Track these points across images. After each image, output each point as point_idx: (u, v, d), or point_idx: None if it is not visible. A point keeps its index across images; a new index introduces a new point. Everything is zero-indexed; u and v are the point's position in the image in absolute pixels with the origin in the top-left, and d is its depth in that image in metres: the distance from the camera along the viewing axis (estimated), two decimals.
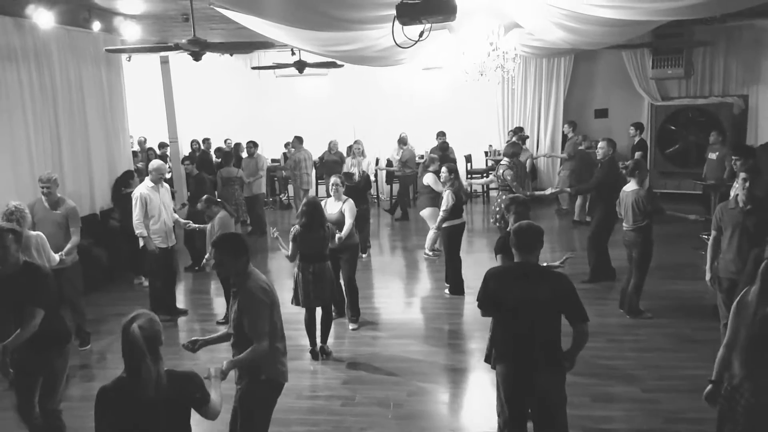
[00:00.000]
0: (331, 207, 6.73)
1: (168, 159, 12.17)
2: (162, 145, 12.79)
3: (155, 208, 7.04)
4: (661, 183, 12.66)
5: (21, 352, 4.12)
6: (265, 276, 3.78)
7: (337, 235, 6.16)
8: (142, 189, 7.08)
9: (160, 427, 2.72)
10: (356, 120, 13.85)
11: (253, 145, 11.41)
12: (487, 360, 4.51)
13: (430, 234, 9.08)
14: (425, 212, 8.99)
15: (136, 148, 12.71)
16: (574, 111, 13.68)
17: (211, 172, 10.87)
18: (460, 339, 6.55)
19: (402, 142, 12.53)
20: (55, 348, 4.27)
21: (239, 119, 14.31)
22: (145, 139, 13.30)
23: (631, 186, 6.52)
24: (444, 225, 7.57)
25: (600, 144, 7.77)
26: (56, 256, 5.83)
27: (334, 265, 6.24)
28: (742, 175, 5.43)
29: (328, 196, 7.08)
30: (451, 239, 7.70)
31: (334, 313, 6.38)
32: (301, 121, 13.53)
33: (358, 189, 8.96)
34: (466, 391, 5.46)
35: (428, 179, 8.83)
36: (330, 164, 12.37)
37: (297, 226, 5.85)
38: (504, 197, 7.90)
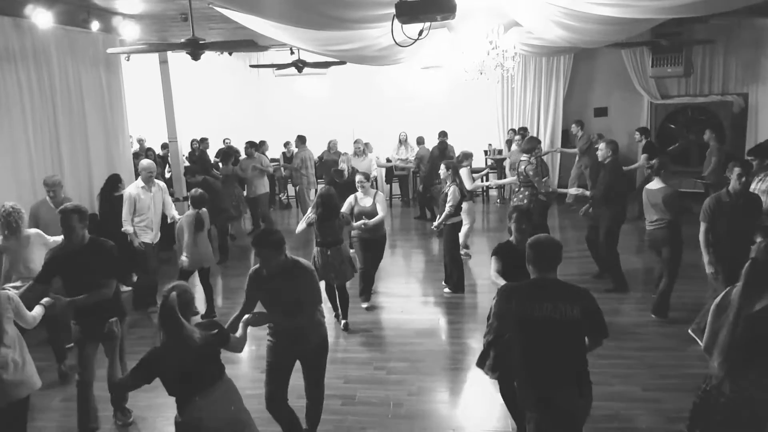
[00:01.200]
0: (363, 201, 7.19)
1: (168, 159, 12.17)
2: (164, 146, 12.76)
3: (144, 207, 7.38)
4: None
5: (86, 319, 4.56)
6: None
7: (362, 222, 6.95)
8: (132, 189, 7.44)
9: (204, 367, 3.41)
10: (355, 119, 13.84)
11: (250, 145, 11.29)
12: (480, 365, 4.43)
13: (463, 230, 8.99)
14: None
15: (136, 148, 12.67)
16: (574, 110, 13.67)
17: (209, 172, 10.81)
18: (460, 338, 6.54)
19: (403, 141, 12.52)
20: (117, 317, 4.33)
21: (238, 119, 14.31)
22: (144, 139, 13.28)
23: (656, 184, 6.52)
24: (448, 223, 7.57)
25: (600, 146, 7.64)
26: None
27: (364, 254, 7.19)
28: (737, 170, 5.49)
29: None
30: (453, 237, 7.71)
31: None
32: (301, 121, 13.51)
33: (348, 185, 8.96)
34: (467, 391, 5.45)
35: (462, 174, 8.71)
36: (329, 163, 12.35)
37: (313, 215, 6.52)
38: (525, 193, 7.93)
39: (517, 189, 8.31)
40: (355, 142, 11.43)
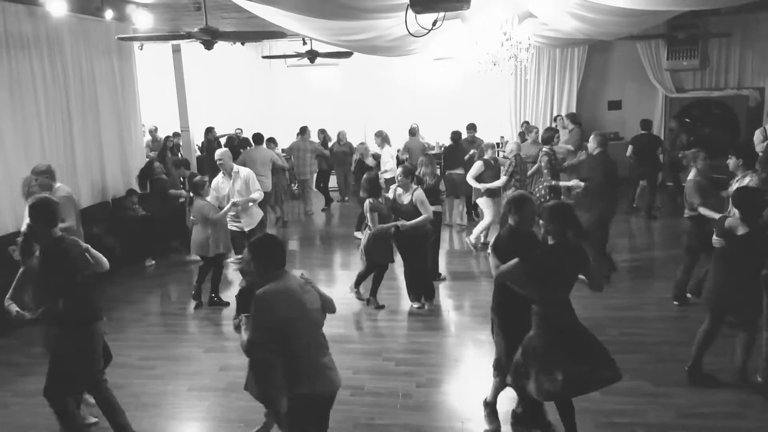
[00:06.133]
0: (403, 198, 6.76)
1: (179, 149, 12.19)
2: (176, 135, 12.77)
3: (222, 196, 7.25)
4: (676, 177, 12.53)
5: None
6: None
7: (400, 222, 6.66)
8: (215, 178, 7.44)
9: None
10: (366, 111, 13.81)
11: (256, 137, 10.85)
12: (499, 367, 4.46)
13: (483, 223, 8.95)
14: (481, 201, 8.85)
15: (148, 137, 12.71)
16: (588, 102, 13.57)
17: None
18: (469, 330, 6.52)
19: (412, 133, 12.38)
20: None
21: (250, 109, 14.32)
22: (156, 128, 13.31)
23: (691, 174, 6.49)
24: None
25: (590, 138, 7.62)
26: None
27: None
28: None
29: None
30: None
31: None
32: (312, 112, 13.50)
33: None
34: (476, 382, 5.43)
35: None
36: (339, 155, 12.34)
37: (370, 200, 6.63)
38: (543, 184, 7.95)
39: (534, 181, 8.30)
40: (377, 134, 11.09)
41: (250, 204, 7.38)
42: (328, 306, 3.65)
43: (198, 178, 7.47)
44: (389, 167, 10.33)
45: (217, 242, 7.09)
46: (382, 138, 10.60)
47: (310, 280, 3.60)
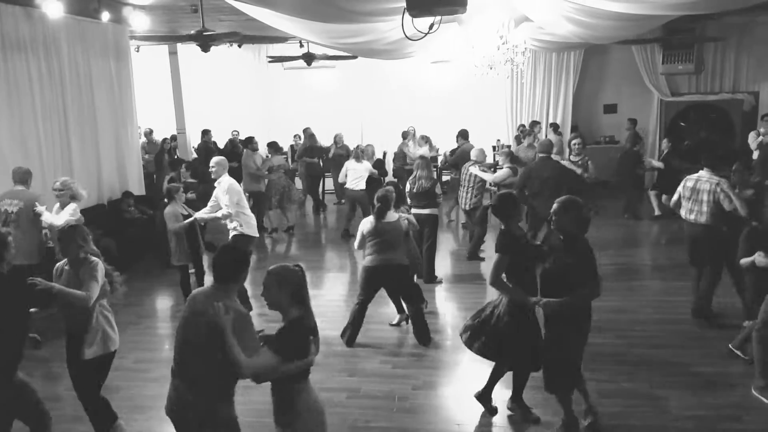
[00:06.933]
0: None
1: (176, 150, 12.19)
2: (173, 138, 12.77)
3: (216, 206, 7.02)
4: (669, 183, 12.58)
5: None
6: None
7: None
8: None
9: None
10: (363, 113, 13.81)
11: (248, 141, 10.74)
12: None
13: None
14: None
15: (143, 140, 12.69)
16: (584, 106, 13.62)
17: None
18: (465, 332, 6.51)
19: (404, 136, 12.38)
20: None
21: (247, 111, 14.31)
22: (152, 131, 13.30)
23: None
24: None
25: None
26: None
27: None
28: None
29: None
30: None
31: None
32: (309, 114, 13.51)
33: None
34: (472, 386, 5.43)
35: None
36: (337, 158, 12.33)
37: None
38: None
39: None
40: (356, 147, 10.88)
41: (220, 213, 6.91)
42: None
43: (172, 184, 7.35)
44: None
45: (176, 253, 6.86)
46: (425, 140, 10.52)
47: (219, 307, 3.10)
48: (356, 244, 6.21)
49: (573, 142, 9.54)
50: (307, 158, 12.31)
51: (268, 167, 10.46)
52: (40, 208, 6.35)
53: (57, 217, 6.37)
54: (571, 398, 4.34)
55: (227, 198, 6.85)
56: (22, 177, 6.55)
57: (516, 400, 4.70)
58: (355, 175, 10.18)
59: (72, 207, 6.43)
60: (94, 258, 4.26)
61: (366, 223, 6.02)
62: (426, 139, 11.94)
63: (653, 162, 10.82)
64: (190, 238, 6.88)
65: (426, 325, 6.13)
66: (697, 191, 6.13)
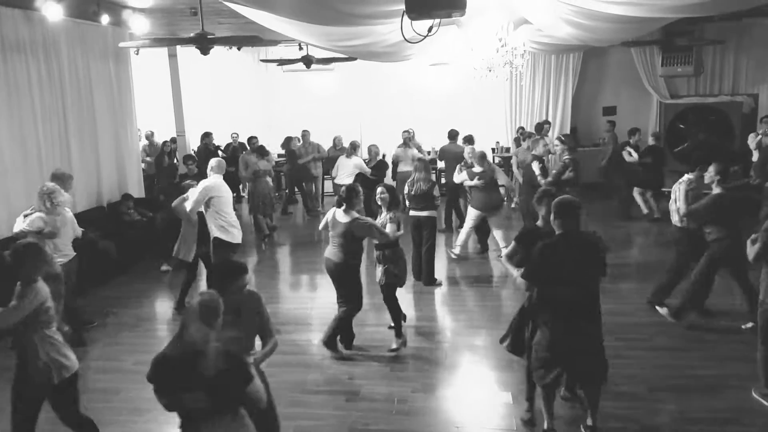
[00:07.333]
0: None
1: (175, 153, 12.19)
2: (173, 140, 12.76)
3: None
4: (669, 183, 12.57)
5: None
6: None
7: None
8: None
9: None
10: (362, 116, 13.81)
11: (261, 150, 10.81)
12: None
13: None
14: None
15: (145, 142, 12.69)
16: (583, 108, 13.63)
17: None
18: (464, 335, 6.52)
19: (409, 139, 12.32)
20: None
21: (246, 113, 14.31)
22: (153, 133, 13.30)
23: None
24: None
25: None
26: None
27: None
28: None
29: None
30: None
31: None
32: (308, 117, 13.51)
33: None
34: (471, 388, 5.44)
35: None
36: (335, 160, 12.30)
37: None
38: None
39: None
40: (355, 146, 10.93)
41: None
42: None
43: (187, 181, 7.38)
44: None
45: (182, 247, 7.02)
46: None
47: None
48: (320, 226, 6.07)
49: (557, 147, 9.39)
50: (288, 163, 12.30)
51: (253, 171, 10.40)
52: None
53: (17, 224, 5.90)
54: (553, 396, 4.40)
55: (196, 191, 6.89)
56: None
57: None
58: (344, 170, 10.23)
59: (35, 216, 5.82)
60: (38, 285, 3.81)
61: (329, 213, 5.90)
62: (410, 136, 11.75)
63: (629, 156, 10.69)
64: (201, 234, 7.00)
65: (336, 332, 5.87)
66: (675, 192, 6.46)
